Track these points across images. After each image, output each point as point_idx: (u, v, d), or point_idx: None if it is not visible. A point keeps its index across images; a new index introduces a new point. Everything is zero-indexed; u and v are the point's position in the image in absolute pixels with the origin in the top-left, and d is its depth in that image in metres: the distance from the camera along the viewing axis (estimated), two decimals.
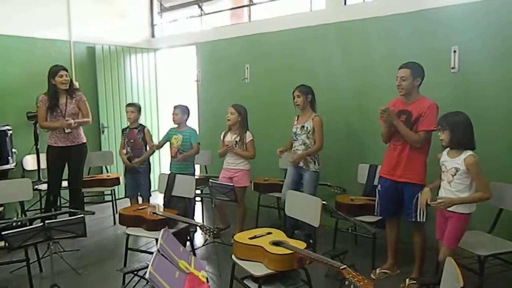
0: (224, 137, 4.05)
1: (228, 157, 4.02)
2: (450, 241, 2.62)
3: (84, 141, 4.27)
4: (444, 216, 2.67)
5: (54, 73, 4.01)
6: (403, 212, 3.16)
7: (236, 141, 3.93)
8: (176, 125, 4.21)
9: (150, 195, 4.44)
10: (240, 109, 3.94)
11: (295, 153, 3.80)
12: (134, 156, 4.32)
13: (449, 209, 2.59)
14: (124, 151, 4.39)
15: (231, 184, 3.70)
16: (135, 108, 4.36)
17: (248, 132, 3.97)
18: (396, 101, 3.15)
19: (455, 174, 2.56)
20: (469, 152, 2.54)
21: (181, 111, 4.15)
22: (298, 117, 3.90)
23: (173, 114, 4.17)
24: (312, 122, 3.74)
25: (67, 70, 4.10)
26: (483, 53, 3.37)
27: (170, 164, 4.25)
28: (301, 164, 3.79)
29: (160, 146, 4.34)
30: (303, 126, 3.78)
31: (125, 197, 4.56)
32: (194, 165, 4.29)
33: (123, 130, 4.47)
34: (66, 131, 4.07)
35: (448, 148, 2.66)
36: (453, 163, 2.58)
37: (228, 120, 3.95)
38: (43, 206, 4.47)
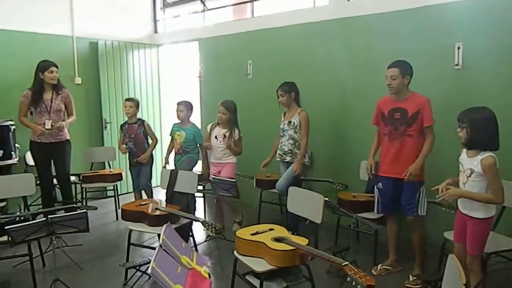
0: (211, 130, 4.08)
1: (216, 152, 4.05)
2: (472, 247, 2.42)
3: (68, 137, 4.25)
4: (463, 220, 2.49)
5: (43, 68, 3.99)
6: (402, 209, 3.15)
7: (225, 135, 3.99)
8: (179, 121, 4.21)
9: (151, 186, 4.47)
10: (230, 107, 3.98)
11: (283, 152, 3.91)
12: (137, 151, 4.34)
13: (463, 212, 2.46)
14: (124, 146, 4.40)
15: (234, 180, 3.70)
16: (134, 103, 4.36)
17: (237, 130, 4.02)
18: (386, 98, 3.18)
19: (470, 176, 2.38)
20: (488, 153, 2.33)
21: (186, 108, 4.18)
22: (284, 114, 4.00)
23: (177, 111, 4.18)
24: (298, 116, 3.82)
25: (57, 67, 4.08)
26: (487, 49, 3.35)
27: (174, 159, 4.28)
28: (289, 159, 3.88)
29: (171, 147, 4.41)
30: (290, 122, 3.87)
31: (133, 191, 4.59)
32: (198, 152, 4.32)
33: (121, 126, 4.49)
34: (46, 127, 4.01)
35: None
36: (469, 163, 2.39)
37: (221, 119, 4.00)
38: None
